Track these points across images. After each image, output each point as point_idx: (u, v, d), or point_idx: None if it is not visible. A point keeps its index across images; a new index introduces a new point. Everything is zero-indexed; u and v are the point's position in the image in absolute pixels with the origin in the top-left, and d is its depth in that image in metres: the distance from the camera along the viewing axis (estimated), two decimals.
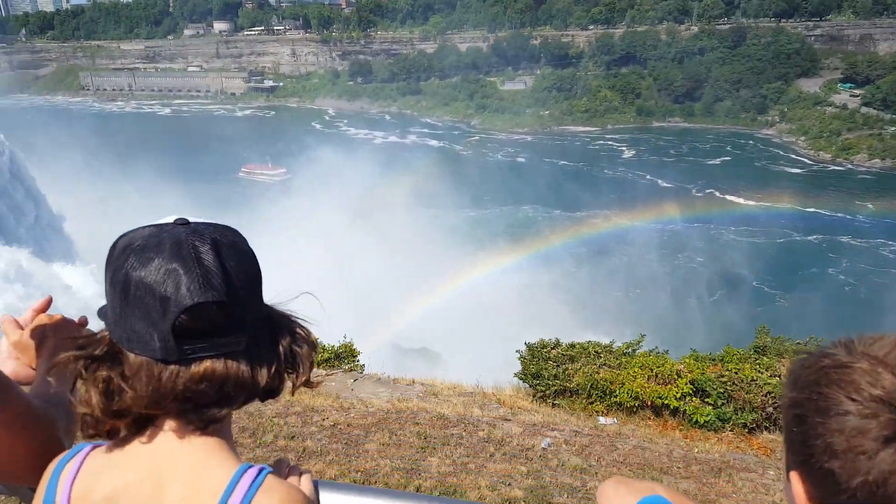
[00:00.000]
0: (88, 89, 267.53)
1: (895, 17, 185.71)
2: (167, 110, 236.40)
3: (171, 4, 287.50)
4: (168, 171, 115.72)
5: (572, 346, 14.47)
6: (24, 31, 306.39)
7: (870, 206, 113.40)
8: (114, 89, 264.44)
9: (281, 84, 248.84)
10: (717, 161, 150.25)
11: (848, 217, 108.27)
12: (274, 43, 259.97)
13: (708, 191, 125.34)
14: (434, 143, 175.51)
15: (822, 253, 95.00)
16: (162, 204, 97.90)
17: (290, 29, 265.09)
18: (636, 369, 13.42)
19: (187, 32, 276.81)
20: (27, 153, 65.25)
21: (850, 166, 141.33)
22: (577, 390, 13.18)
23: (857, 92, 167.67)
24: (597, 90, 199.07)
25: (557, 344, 14.44)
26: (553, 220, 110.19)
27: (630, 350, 15.22)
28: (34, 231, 45.31)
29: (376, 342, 62.11)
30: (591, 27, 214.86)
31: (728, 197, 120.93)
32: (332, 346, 13.02)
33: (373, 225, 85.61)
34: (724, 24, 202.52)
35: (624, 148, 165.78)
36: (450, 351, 64.33)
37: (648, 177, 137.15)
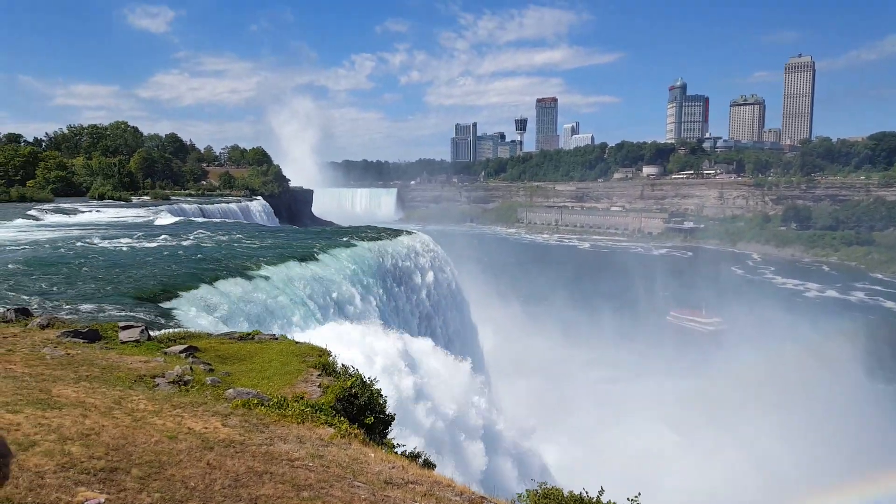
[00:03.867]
0: (522, 222, 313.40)
1: None
2: (587, 244, 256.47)
3: (606, 152, 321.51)
4: (587, 300, 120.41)
5: None
6: (483, 173, 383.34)
7: None
8: (542, 223, 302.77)
9: (702, 226, 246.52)
10: None
11: None
12: (701, 186, 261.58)
13: None
14: (890, 304, 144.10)
15: None
16: (577, 330, 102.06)
17: (721, 173, 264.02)
18: None
19: (616, 175, 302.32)
20: (462, 270, 77.18)
21: None
22: None
23: None
24: None
25: None
26: None
27: None
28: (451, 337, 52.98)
29: None
30: None
31: None
32: None
33: (804, 394, 73.18)
34: None
35: None
36: None
37: None
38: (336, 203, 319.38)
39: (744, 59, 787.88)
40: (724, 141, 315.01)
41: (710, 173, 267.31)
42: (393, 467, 13.37)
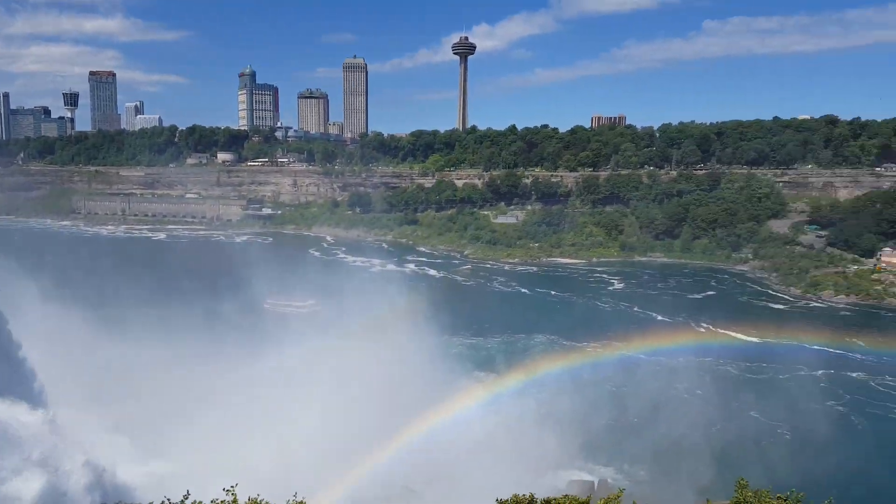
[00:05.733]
0: (80, 213, 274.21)
1: (852, 168, 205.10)
2: (162, 235, 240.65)
3: (177, 135, 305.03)
4: (173, 296, 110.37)
5: (547, 501, 14.70)
6: (22, 154, 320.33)
7: (860, 342, 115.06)
8: (106, 213, 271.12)
9: (279, 212, 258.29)
10: (700, 295, 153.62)
11: (841, 352, 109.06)
12: (276, 173, 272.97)
13: (704, 324, 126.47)
14: (433, 272, 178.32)
15: (822, 386, 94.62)
16: (166, 330, 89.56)
17: (294, 161, 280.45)
18: None
19: (190, 161, 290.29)
20: None
21: (817, 303, 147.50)
22: None
23: (823, 233, 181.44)
24: (583, 226, 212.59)
25: (532, 500, 14.61)
26: (550, 346, 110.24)
27: None
28: None
29: (357, 476, 58.44)
30: (579, 169, 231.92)
31: (725, 331, 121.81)
32: None
33: (370, 352, 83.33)
34: (701, 170, 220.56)
35: (615, 280, 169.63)
36: (433, 492, 58.40)
37: (637, 308, 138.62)
38: None
39: (308, 54, 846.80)
40: (295, 131, 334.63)
41: (283, 161, 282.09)
42: None
